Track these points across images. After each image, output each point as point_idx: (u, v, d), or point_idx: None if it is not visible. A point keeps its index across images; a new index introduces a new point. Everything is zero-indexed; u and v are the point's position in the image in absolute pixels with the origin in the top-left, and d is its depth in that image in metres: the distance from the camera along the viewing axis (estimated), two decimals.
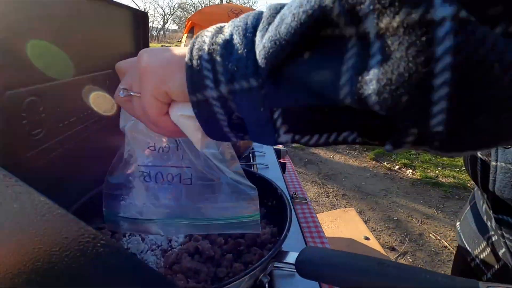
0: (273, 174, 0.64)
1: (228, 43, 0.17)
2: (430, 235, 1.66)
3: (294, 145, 2.41)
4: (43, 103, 0.37)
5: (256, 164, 0.68)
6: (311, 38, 0.14)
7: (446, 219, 1.81)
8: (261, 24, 0.16)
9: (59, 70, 0.40)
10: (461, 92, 0.11)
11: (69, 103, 0.42)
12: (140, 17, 0.61)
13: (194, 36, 0.19)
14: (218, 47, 0.17)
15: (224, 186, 0.31)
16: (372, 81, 0.13)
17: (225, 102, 0.17)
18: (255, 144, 0.75)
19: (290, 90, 0.16)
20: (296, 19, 0.14)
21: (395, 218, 1.83)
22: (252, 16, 0.17)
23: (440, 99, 0.12)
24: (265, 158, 0.72)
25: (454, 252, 1.57)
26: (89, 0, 0.44)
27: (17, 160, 0.34)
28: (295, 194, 0.56)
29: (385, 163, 2.54)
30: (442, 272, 1.41)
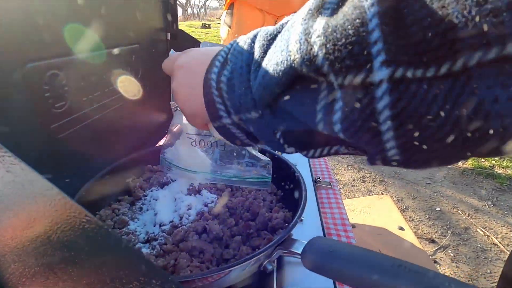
0: (297, 156, 0.61)
1: (230, 82, 0.20)
2: (478, 230, 1.52)
3: None
4: (66, 77, 0.38)
5: None
6: (292, 83, 0.17)
7: (499, 214, 1.63)
8: (252, 66, 0.19)
9: (81, 44, 0.40)
10: (402, 135, 0.14)
11: (92, 77, 0.43)
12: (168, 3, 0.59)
13: (206, 71, 0.22)
14: (224, 86, 0.21)
15: (247, 154, 0.41)
16: (337, 123, 0.15)
17: (239, 126, 0.22)
18: None
19: (283, 119, 0.19)
20: (275, 74, 0.17)
21: (437, 209, 1.70)
22: (246, 52, 0.20)
23: (388, 140, 0.14)
24: None
25: (506, 250, 1.42)
26: None
27: (41, 132, 0.35)
28: (318, 178, 0.53)
29: None
30: (488, 271, 1.29)
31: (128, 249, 0.18)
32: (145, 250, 0.32)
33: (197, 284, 0.25)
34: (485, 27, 0.11)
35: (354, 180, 2.11)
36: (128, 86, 0.49)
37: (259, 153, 0.41)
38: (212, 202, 0.40)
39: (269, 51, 0.18)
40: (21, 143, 0.31)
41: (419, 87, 0.13)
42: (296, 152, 0.21)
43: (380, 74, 0.13)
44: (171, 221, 0.36)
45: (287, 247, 0.28)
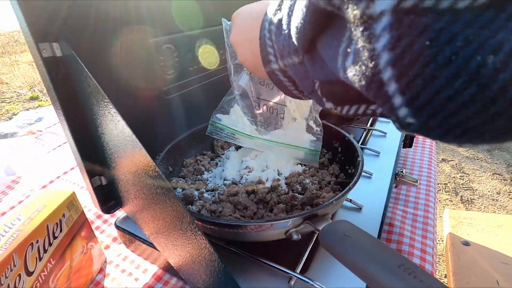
0: (388, 144, 0.55)
1: (280, 23, 0.20)
2: None
3: None
4: (177, 50, 0.48)
5: (372, 129, 0.60)
6: (322, 24, 0.16)
7: None
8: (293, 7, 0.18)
9: (190, 23, 0.49)
10: (407, 87, 0.11)
11: (196, 51, 0.52)
12: None
13: (264, 14, 0.22)
14: (274, 28, 0.20)
15: (304, 124, 0.42)
16: (349, 68, 0.14)
17: (285, 72, 0.21)
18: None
19: (320, 66, 0.18)
20: (302, 12, 0.16)
21: None
22: None
23: (394, 94, 0.12)
24: (389, 125, 0.62)
25: None
26: None
27: (155, 91, 0.46)
28: (402, 172, 0.46)
29: None
30: None
31: (171, 192, 0.24)
32: (207, 195, 0.39)
33: (214, 228, 0.30)
34: None
35: (499, 193, 1.67)
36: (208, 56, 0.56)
37: (314, 124, 0.42)
38: (274, 170, 0.43)
39: None
40: (137, 98, 0.42)
41: (431, 21, 0.10)
42: (335, 108, 0.19)
43: (382, 3, 0.11)
44: (233, 178, 0.41)
45: (316, 223, 0.29)
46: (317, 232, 0.27)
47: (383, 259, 0.19)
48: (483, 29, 0.09)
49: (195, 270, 0.28)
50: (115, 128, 0.27)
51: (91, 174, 0.37)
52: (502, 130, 0.11)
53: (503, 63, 0.09)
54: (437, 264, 0.39)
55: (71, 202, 0.38)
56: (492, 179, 1.76)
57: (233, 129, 0.44)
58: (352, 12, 0.12)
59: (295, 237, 0.30)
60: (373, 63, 0.12)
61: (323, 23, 0.16)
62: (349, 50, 0.14)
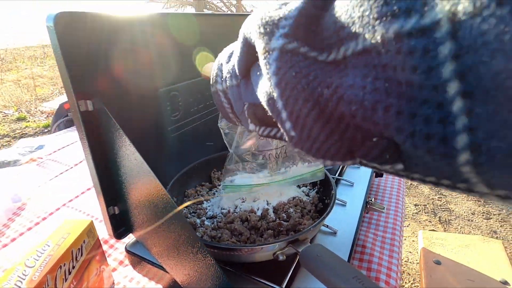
0: (361, 174, 0.63)
1: (230, 54, 0.25)
2: None
3: None
4: (181, 95, 0.56)
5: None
6: (254, 53, 0.19)
7: None
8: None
9: (193, 72, 0.58)
10: (286, 105, 0.17)
11: (198, 94, 0.61)
12: None
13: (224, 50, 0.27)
14: (225, 57, 0.25)
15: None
16: (259, 90, 0.19)
17: (226, 94, 0.25)
18: None
19: (251, 91, 0.21)
20: (241, 43, 0.21)
21: None
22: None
23: (281, 110, 0.17)
24: None
25: None
26: (222, 16, 0.59)
27: (163, 130, 0.54)
28: (371, 200, 0.55)
29: None
30: None
31: (181, 217, 0.31)
32: (207, 223, 0.46)
33: (215, 251, 0.37)
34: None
35: (473, 213, 1.77)
36: None
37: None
38: (264, 201, 0.50)
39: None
40: (149, 137, 0.50)
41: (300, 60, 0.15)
42: (256, 129, 0.23)
43: (276, 42, 0.16)
44: (229, 207, 0.49)
45: (297, 246, 0.36)
46: (298, 253, 0.34)
47: (342, 273, 0.27)
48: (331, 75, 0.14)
49: (201, 286, 0.34)
50: (132, 159, 0.35)
51: (108, 204, 0.44)
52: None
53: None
54: (400, 280, 0.46)
55: (90, 230, 0.44)
56: (467, 200, 1.87)
57: (249, 185, 0.47)
58: (259, 47, 0.17)
59: (281, 258, 0.37)
60: (268, 84, 0.16)
61: (254, 55, 0.19)
62: (258, 73, 0.18)
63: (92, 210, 0.68)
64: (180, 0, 7.93)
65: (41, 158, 0.98)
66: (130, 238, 0.50)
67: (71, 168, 0.89)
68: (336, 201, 0.52)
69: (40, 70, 6.10)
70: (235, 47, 0.23)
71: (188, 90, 0.58)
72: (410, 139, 0.11)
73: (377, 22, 0.11)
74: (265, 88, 0.17)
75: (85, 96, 0.38)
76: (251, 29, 0.18)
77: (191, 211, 0.50)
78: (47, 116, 3.63)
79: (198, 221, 0.46)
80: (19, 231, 0.63)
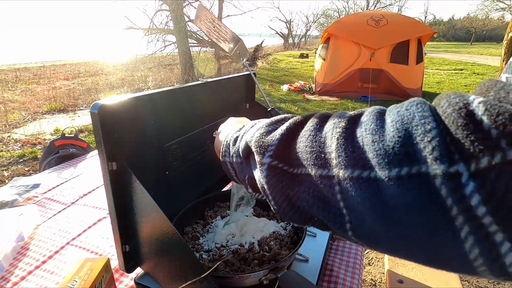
0: None
1: (235, 139, 0.36)
2: None
3: None
4: (180, 147, 0.68)
5: None
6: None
7: None
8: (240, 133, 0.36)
9: (191, 127, 0.70)
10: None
11: (195, 143, 0.73)
12: (250, 79, 0.88)
13: (230, 130, 0.40)
14: (232, 140, 0.36)
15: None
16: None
17: (232, 165, 0.36)
18: None
19: (250, 169, 0.32)
20: (245, 143, 0.33)
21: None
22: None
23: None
24: None
25: None
26: (219, 81, 0.73)
27: (163, 176, 0.65)
28: None
29: None
30: None
31: (188, 251, 0.42)
32: (205, 256, 0.57)
33: (217, 279, 0.48)
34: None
35: None
36: None
37: None
38: (250, 235, 0.62)
39: (250, 130, 0.33)
40: (151, 178, 0.61)
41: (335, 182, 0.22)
42: (253, 193, 0.33)
43: (266, 160, 0.28)
44: (222, 242, 0.60)
45: (277, 272, 0.48)
46: (278, 278, 0.46)
47: None
48: None
49: None
50: (144, 201, 0.45)
51: (122, 243, 0.53)
52: None
53: None
54: None
55: (107, 266, 0.53)
56: None
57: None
58: (256, 158, 0.29)
59: (265, 282, 0.48)
60: (261, 178, 0.28)
61: (251, 151, 0.30)
62: (253, 163, 0.31)
63: (94, 247, 0.75)
64: (161, 29, 8.18)
65: (37, 197, 1.04)
66: (137, 272, 0.59)
67: (69, 206, 0.96)
68: (308, 233, 0.65)
69: (11, 95, 5.96)
70: (239, 137, 0.35)
71: (188, 141, 0.70)
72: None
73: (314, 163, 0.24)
74: (258, 178, 0.28)
75: (110, 158, 0.49)
76: (251, 144, 0.30)
77: (190, 246, 0.60)
78: (22, 145, 3.55)
79: (197, 255, 0.56)
80: (27, 270, 0.69)
